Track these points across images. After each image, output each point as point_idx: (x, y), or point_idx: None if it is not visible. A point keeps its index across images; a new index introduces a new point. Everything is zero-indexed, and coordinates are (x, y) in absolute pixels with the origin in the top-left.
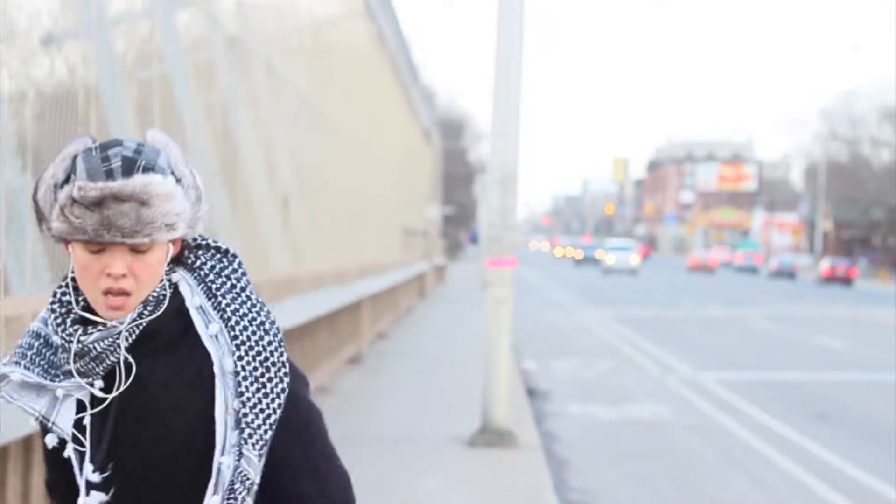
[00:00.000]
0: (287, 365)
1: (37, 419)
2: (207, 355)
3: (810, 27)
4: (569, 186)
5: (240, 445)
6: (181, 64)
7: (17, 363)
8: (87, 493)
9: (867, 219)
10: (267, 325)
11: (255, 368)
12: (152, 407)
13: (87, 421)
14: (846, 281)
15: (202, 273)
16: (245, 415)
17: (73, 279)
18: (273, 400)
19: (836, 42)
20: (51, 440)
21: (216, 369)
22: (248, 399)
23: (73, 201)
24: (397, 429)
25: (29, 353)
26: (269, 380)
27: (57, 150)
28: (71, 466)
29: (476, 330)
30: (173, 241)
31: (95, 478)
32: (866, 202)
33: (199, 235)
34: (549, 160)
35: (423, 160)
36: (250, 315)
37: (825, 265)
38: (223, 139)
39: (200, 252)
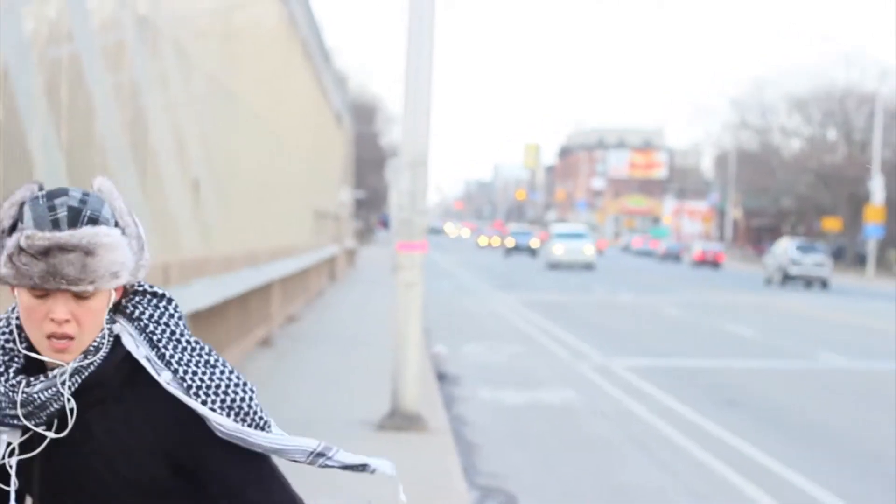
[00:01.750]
0: (243, 379)
1: None
2: (158, 398)
3: (722, 15)
4: (480, 172)
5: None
6: (91, 44)
7: None
8: None
9: (776, 207)
10: (212, 360)
11: (224, 401)
12: (99, 453)
13: (13, 462)
14: (715, 264)
15: (142, 324)
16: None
17: (17, 321)
18: (252, 412)
19: (748, 31)
20: None
21: (185, 399)
22: (231, 426)
23: (21, 249)
24: (307, 412)
25: None
26: (242, 400)
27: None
28: None
29: (386, 313)
30: (116, 289)
31: None
32: (776, 191)
33: (137, 281)
34: (461, 145)
35: (334, 144)
36: (194, 359)
37: (697, 250)
38: (133, 120)
39: (137, 298)
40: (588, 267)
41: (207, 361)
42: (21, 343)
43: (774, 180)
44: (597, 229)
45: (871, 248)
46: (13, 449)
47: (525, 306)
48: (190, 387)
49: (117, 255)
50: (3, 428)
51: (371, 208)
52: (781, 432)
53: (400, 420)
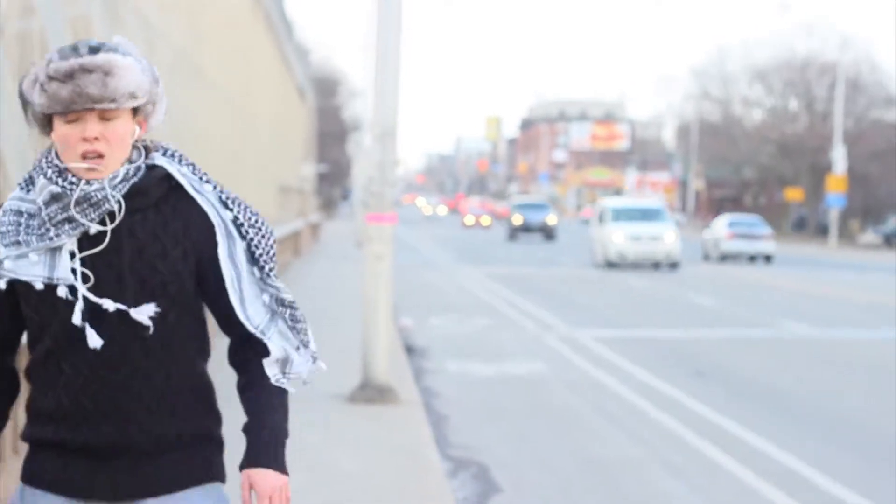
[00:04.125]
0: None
1: (43, 282)
2: (192, 212)
3: None
4: (442, 145)
5: (263, 280)
6: (56, 16)
7: (18, 242)
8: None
9: (739, 178)
10: (233, 195)
11: (248, 217)
12: (141, 252)
13: (76, 265)
14: None
15: (175, 160)
16: (260, 255)
17: (48, 159)
18: (270, 238)
19: (707, 1)
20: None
21: (214, 218)
22: (254, 240)
23: (49, 77)
24: None
25: (20, 229)
26: (262, 224)
27: None
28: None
29: (353, 286)
30: (139, 123)
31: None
32: (738, 162)
33: (156, 143)
34: (423, 118)
35: (297, 117)
36: (224, 191)
37: None
38: None
39: (161, 151)
40: (671, 265)
41: (230, 194)
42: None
43: (736, 151)
44: (559, 201)
45: (833, 218)
46: (73, 252)
47: (490, 279)
48: (227, 199)
49: (133, 75)
50: (63, 241)
51: (333, 182)
52: (750, 401)
53: (371, 392)
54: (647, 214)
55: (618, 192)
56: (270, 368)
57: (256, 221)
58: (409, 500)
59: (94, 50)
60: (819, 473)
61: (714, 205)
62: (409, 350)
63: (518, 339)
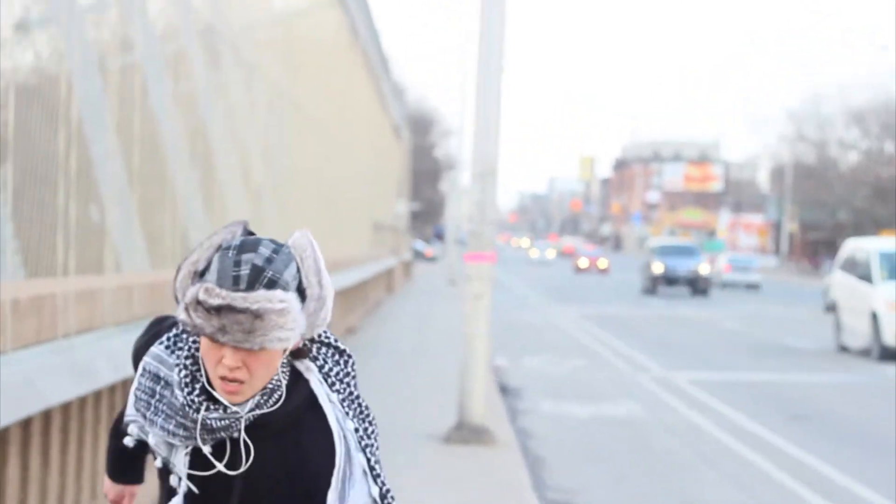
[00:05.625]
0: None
1: (162, 461)
2: (319, 445)
3: (778, 27)
4: (535, 184)
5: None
6: (153, 53)
7: (145, 416)
8: None
9: (833, 221)
10: (372, 428)
11: (376, 460)
12: (255, 481)
13: (184, 472)
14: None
15: (330, 380)
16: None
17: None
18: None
19: (805, 43)
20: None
21: (339, 451)
22: (371, 457)
23: (198, 303)
24: None
25: (152, 402)
26: (378, 464)
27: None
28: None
29: (446, 325)
30: None
31: None
32: (833, 204)
33: (324, 332)
34: (517, 158)
35: (392, 155)
36: (364, 424)
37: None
38: (195, 129)
39: (323, 350)
40: None
41: (368, 428)
42: (203, 371)
43: (831, 194)
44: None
45: None
46: (187, 461)
47: (583, 319)
48: (367, 445)
49: (286, 320)
50: (181, 444)
51: (425, 220)
52: (853, 448)
53: (467, 433)
54: None
55: (711, 233)
56: None
57: (377, 464)
58: None
59: (253, 278)
60: None
61: (808, 247)
62: (503, 390)
63: (613, 380)
